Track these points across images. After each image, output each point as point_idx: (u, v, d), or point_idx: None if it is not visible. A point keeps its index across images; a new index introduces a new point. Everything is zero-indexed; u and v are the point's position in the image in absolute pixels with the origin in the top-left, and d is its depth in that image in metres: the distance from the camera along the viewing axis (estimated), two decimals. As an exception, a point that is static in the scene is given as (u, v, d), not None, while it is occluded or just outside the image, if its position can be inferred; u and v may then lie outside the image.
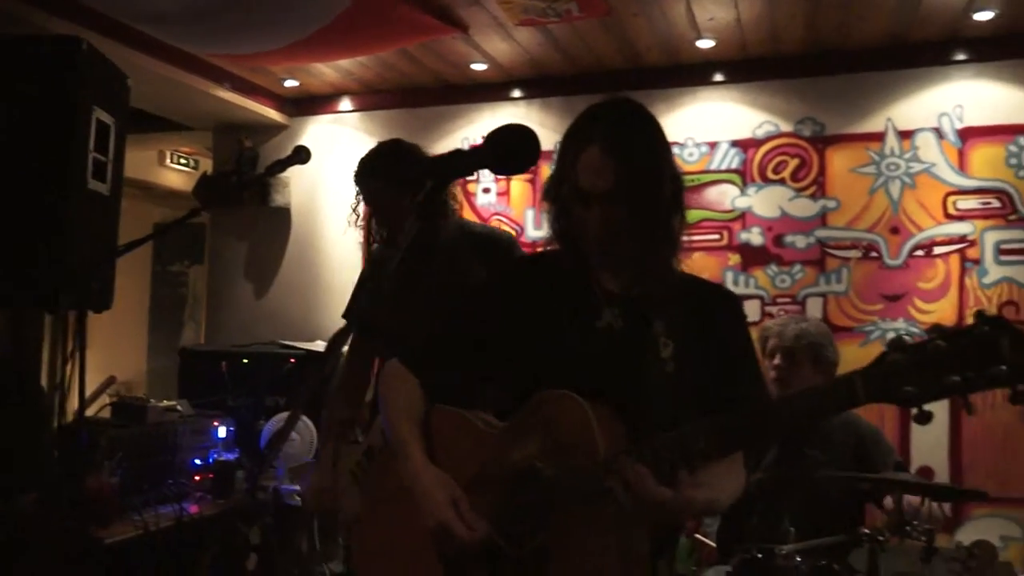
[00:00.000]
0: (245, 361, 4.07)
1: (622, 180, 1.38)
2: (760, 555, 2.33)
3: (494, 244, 2.47)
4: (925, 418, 1.12)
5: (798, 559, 2.28)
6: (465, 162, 1.32)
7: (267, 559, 1.73)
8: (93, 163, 2.62)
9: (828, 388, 1.18)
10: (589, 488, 1.30)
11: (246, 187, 4.42)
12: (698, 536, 3.13)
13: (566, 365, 1.46)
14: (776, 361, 2.78)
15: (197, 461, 3.32)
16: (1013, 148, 3.68)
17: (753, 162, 4.03)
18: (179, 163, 6.30)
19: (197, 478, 3.25)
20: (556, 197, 1.47)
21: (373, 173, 2.49)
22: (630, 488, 1.25)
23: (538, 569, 1.36)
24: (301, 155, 2.65)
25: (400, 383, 1.61)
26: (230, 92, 4.35)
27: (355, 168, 2.56)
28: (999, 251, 3.68)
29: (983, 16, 3.48)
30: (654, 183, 1.41)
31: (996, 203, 3.69)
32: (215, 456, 3.38)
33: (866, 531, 2.22)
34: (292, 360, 3.98)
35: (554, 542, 1.36)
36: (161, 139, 5.79)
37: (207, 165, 5.39)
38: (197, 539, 2.75)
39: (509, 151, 1.34)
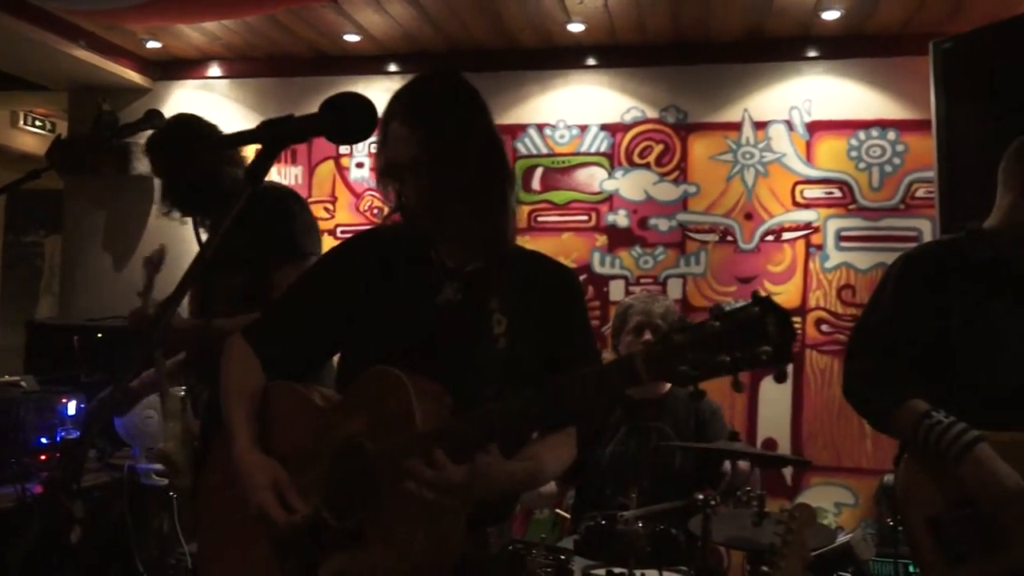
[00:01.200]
0: (100, 336, 3.90)
1: (421, 149, 1.41)
2: (604, 521, 2.44)
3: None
4: (738, 387, 1.14)
5: (639, 524, 2.40)
6: (298, 127, 1.31)
7: (91, 532, 1.69)
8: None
9: (614, 367, 1.21)
10: (401, 467, 1.32)
11: (102, 153, 4.21)
12: (559, 511, 3.24)
13: (403, 340, 1.48)
14: (647, 336, 2.89)
15: (43, 440, 3.17)
16: (854, 142, 3.94)
17: (621, 146, 4.16)
18: (34, 125, 5.93)
19: (43, 457, 3.11)
20: (382, 174, 1.49)
21: (169, 146, 2.52)
22: (426, 472, 1.27)
23: (356, 542, 1.38)
24: (154, 120, 2.56)
25: (237, 361, 1.60)
26: (87, 51, 4.12)
27: (148, 142, 2.60)
28: (839, 238, 3.95)
29: (830, 15, 3.71)
30: (454, 149, 1.43)
31: (838, 193, 3.96)
32: (63, 434, 3.23)
33: (700, 497, 2.36)
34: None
35: (372, 516, 1.38)
36: (14, 99, 5.43)
37: (64, 127, 5.09)
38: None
39: (344, 119, 1.34)
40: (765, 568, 2.10)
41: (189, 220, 2.65)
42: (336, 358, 1.68)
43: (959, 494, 1.85)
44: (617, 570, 2.31)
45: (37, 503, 2.37)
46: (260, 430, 1.54)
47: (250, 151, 2.40)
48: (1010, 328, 1.93)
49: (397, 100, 1.47)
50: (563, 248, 4.11)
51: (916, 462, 1.93)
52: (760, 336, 1.07)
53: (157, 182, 4.51)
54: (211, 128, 2.56)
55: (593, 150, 4.18)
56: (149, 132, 2.61)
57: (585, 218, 4.18)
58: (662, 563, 2.35)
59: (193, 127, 2.58)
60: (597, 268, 4.15)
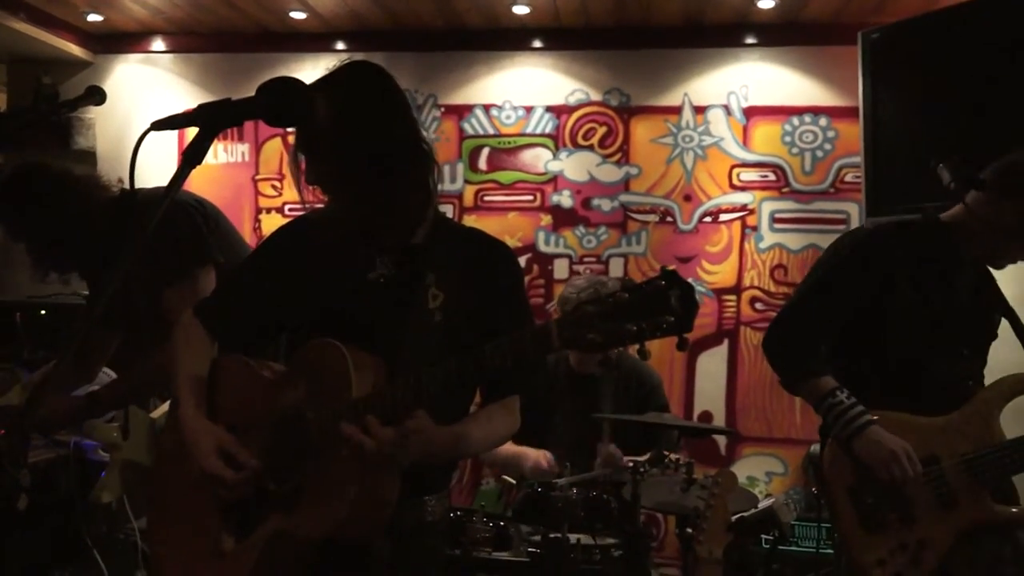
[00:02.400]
0: (43, 312, 3.87)
1: (313, 134, 1.48)
2: (539, 489, 2.56)
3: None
4: (643, 355, 1.21)
5: (573, 491, 2.52)
6: (234, 111, 1.36)
7: (38, 500, 1.74)
8: None
9: (530, 334, 1.28)
10: (338, 434, 1.38)
11: (43, 127, 4.15)
12: (506, 478, 3.35)
13: (339, 315, 1.54)
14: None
15: (-15, 416, 3.16)
16: (788, 127, 4.09)
17: (565, 128, 4.25)
18: (-30, 98, 5.77)
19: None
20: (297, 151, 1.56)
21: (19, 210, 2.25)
22: (357, 434, 1.34)
23: (293, 505, 1.45)
24: (95, 96, 2.53)
25: (187, 334, 1.66)
26: (26, 24, 4.05)
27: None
28: (773, 220, 4.11)
29: (766, 3, 3.83)
30: (344, 134, 1.47)
31: (772, 176, 4.11)
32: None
33: (630, 463, 2.49)
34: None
35: (309, 480, 1.45)
36: (-52, 70, 5.29)
37: (3, 102, 4.98)
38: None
39: (279, 103, 1.39)
40: (690, 530, 2.24)
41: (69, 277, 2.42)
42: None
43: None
44: (552, 535, 2.43)
45: None
46: (209, 400, 1.60)
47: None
48: (942, 316, 2.08)
49: (315, 88, 1.50)
50: (508, 227, 4.20)
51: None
52: (664, 307, 1.14)
53: (101, 158, 4.50)
54: (57, 173, 2.31)
55: (538, 131, 4.26)
56: (85, 114, 2.42)
57: (530, 198, 4.27)
58: (595, 528, 2.48)
59: (34, 179, 2.30)
60: (542, 247, 4.25)
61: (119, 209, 2.32)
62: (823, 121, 4.06)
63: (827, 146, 4.07)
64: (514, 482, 3.01)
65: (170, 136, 4.38)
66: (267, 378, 1.61)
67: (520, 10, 3.98)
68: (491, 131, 4.29)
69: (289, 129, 4.33)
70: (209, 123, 1.34)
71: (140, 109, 4.46)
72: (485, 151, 4.29)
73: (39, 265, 2.34)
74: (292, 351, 1.65)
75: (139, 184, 1.36)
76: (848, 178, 4.03)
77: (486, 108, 4.29)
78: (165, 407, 2.41)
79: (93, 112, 4.34)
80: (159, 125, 1.32)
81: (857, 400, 2.02)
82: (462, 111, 4.28)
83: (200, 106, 1.36)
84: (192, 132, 1.28)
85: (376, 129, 1.49)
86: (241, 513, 1.52)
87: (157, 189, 2.05)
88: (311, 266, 1.61)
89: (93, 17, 4.22)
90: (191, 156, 1.31)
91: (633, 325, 1.14)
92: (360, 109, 1.50)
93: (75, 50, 4.40)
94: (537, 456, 2.94)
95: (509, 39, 4.25)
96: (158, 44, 4.48)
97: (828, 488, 2.08)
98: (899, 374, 2.09)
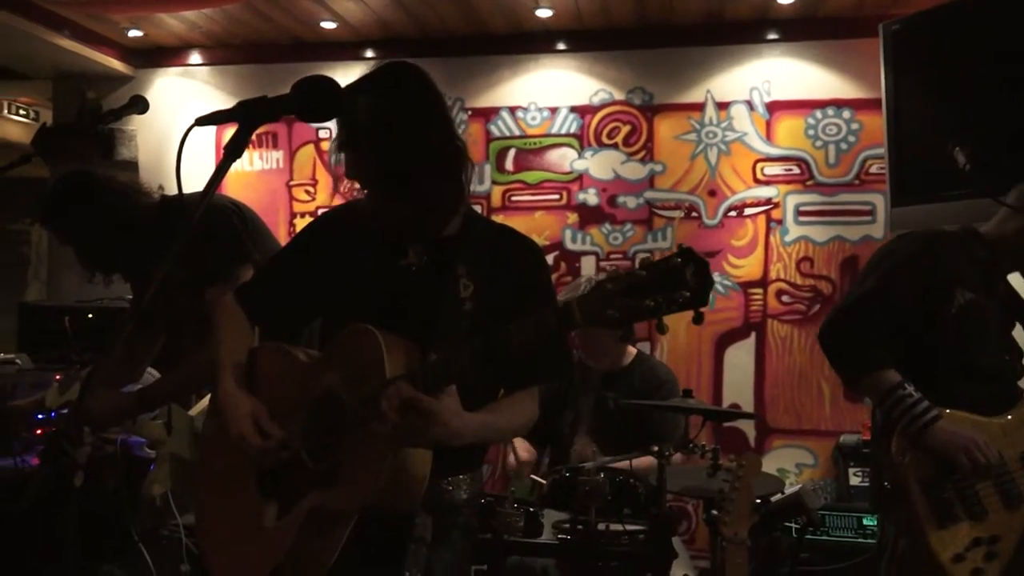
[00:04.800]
0: (90, 316, 4.03)
1: (353, 130, 1.55)
2: (568, 474, 2.62)
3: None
4: (661, 328, 1.22)
5: (601, 475, 2.58)
6: (271, 107, 1.45)
7: (92, 477, 1.85)
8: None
9: (552, 312, 1.31)
10: (373, 412, 1.44)
11: (87, 139, 4.32)
12: (534, 477, 3.43)
13: (371, 300, 1.62)
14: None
15: (38, 415, 3.30)
16: (811, 121, 4.12)
17: (590, 127, 4.32)
18: (18, 114, 5.99)
19: (38, 432, 3.24)
20: (340, 150, 1.61)
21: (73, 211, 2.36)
22: (398, 404, 1.38)
23: (332, 481, 1.52)
24: (138, 105, 2.64)
25: (227, 317, 1.75)
26: (70, 40, 4.23)
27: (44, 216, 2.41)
28: (798, 213, 4.14)
29: (786, -1, 3.88)
30: (383, 131, 1.53)
31: (796, 170, 4.14)
32: (56, 410, 3.37)
33: (655, 449, 2.54)
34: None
35: (345, 456, 1.52)
36: (-3, 88, 5.52)
37: (49, 116, 5.19)
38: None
39: (314, 100, 1.48)
40: (715, 512, 2.29)
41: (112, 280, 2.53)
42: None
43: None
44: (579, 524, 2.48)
45: (42, 450, 2.49)
46: (247, 387, 1.68)
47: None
48: (992, 320, 2.14)
49: (356, 88, 1.59)
50: (536, 226, 4.28)
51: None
52: (680, 282, 1.17)
53: (143, 168, 4.66)
54: (101, 180, 2.43)
55: (563, 131, 4.34)
56: (127, 126, 2.52)
57: (557, 197, 4.35)
58: (622, 511, 2.53)
59: (80, 186, 2.42)
60: (569, 245, 4.32)
61: (161, 213, 2.44)
62: (846, 113, 4.09)
63: (851, 138, 4.09)
64: (544, 482, 3.09)
65: (208, 144, 4.54)
66: (303, 362, 1.68)
67: (543, 13, 4.07)
68: (517, 132, 4.38)
69: (322, 131, 4.40)
70: (248, 118, 1.44)
71: (179, 120, 4.62)
72: (511, 152, 4.38)
73: (86, 267, 2.48)
74: (326, 337, 1.73)
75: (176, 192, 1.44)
76: (873, 169, 4.05)
77: (512, 110, 4.38)
78: (203, 403, 2.52)
79: (135, 124, 4.52)
80: (202, 120, 1.42)
81: (923, 396, 2.04)
82: (488, 114, 4.38)
83: (239, 103, 1.46)
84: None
85: (414, 125, 1.56)
86: (281, 491, 1.60)
87: (197, 194, 2.12)
88: (347, 253, 1.68)
89: (133, 33, 4.40)
90: (232, 149, 1.41)
91: (651, 300, 1.18)
92: (400, 106, 1.56)
93: (117, 65, 4.58)
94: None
95: (533, 42, 4.34)
96: (195, 57, 4.65)
97: (900, 481, 2.06)
98: (952, 376, 2.11)
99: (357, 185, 1.64)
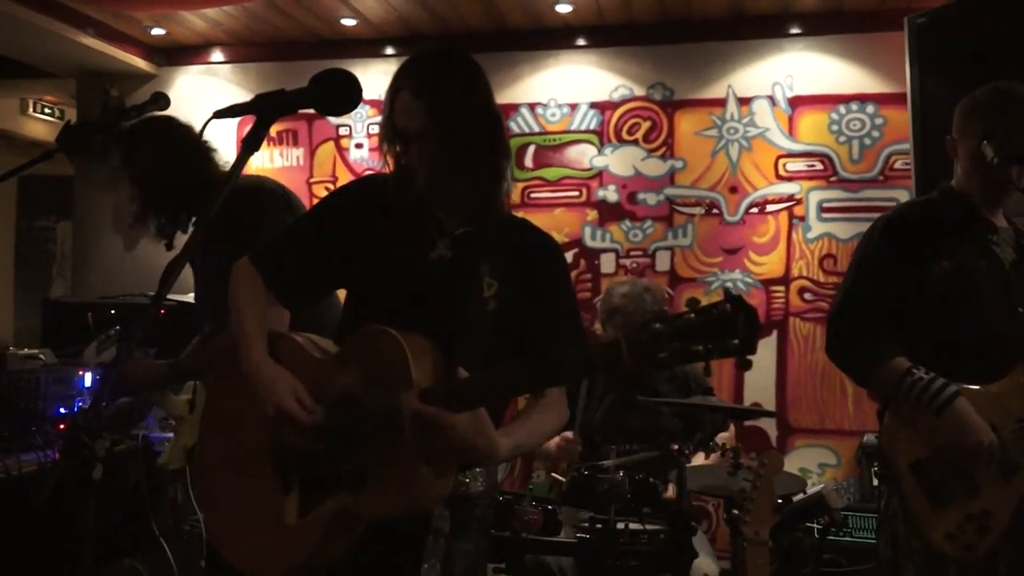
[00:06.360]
0: (113, 312, 4.07)
1: (430, 120, 1.53)
2: (587, 472, 2.61)
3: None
4: (708, 371, 1.22)
5: (620, 474, 2.56)
6: (289, 100, 1.46)
7: (111, 470, 1.85)
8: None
9: (599, 348, 1.29)
10: (395, 419, 1.42)
11: (111, 136, 4.36)
12: (554, 475, 3.41)
13: (397, 291, 1.59)
14: None
15: (62, 410, 3.33)
16: (835, 116, 4.07)
17: (609, 123, 4.30)
18: (43, 112, 6.08)
19: (61, 426, 3.28)
20: (389, 139, 1.60)
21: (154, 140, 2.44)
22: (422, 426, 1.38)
23: (360, 486, 1.50)
24: (160, 101, 2.66)
25: (245, 284, 1.69)
26: (94, 38, 4.28)
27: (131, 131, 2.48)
28: (821, 209, 4.09)
29: (810, -8, 3.83)
30: (460, 122, 1.54)
31: (819, 166, 4.09)
32: (80, 404, 3.40)
33: (675, 447, 2.52)
34: (163, 311, 4.01)
35: (371, 463, 1.49)
36: (23, 87, 5.58)
37: (73, 115, 5.25)
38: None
39: (332, 93, 1.48)
40: (736, 511, 2.27)
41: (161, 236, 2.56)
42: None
43: (940, 441, 1.99)
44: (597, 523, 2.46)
45: (61, 443, 2.50)
46: None
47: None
48: (984, 281, 2.06)
49: (406, 72, 1.57)
50: (555, 223, 4.26)
51: (899, 413, 2.05)
52: (732, 330, 1.17)
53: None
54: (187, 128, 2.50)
55: (583, 128, 4.32)
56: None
57: (576, 194, 4.33)
58: (642, 509, 2.51)
59: (172, 125, 2.51)
60: (588, 242, 4.30)
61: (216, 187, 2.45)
62: (871, 108, 4.03)
63: (875, 133, 4.03)
64: (564, 479, 3.08)
65: (229, 140, 4.56)
66: (318, 359, 1.64)
67: (563, 8, 4.05)
68: (537, 129, 4.37)
69: (341, 128, 4.38)
70: (265, 111, 1.44)
71: (201, 117, 4.60)
72: (531, 148, 4.37)
73: (141, 218, 2.51)
74: (346, 320, 1.69)
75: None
76: (898, 165, 3.99)
77: (531, 106, 4.37)
78: None
79: (157, 121, 4.55)
80: (220, 114, 1.43)
81: (936, 375, 1.99)
82: (508, 110, 4.36)
83: (257, 96, 1.46)
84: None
85: (495, 111, 1.58)
86: (302, 484, 1.57)
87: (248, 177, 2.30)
88: (371, 233, 1.64)
89: (156, 31, 4.43)
90: (250, 142, 1.42)
91: (701, 346, 1.17)
92: (487, 90, 1.58)
93: (140, 63, 4.62)
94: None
95: (553, 38, 4.32)
96: (217, 55, 4.68)
97: (890, 466, 2.04)
98: (949, 343, 2.06)
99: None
